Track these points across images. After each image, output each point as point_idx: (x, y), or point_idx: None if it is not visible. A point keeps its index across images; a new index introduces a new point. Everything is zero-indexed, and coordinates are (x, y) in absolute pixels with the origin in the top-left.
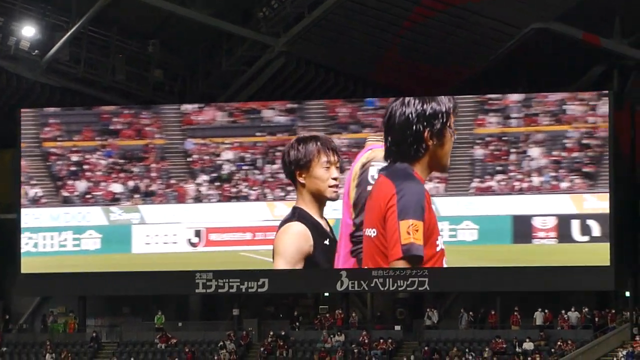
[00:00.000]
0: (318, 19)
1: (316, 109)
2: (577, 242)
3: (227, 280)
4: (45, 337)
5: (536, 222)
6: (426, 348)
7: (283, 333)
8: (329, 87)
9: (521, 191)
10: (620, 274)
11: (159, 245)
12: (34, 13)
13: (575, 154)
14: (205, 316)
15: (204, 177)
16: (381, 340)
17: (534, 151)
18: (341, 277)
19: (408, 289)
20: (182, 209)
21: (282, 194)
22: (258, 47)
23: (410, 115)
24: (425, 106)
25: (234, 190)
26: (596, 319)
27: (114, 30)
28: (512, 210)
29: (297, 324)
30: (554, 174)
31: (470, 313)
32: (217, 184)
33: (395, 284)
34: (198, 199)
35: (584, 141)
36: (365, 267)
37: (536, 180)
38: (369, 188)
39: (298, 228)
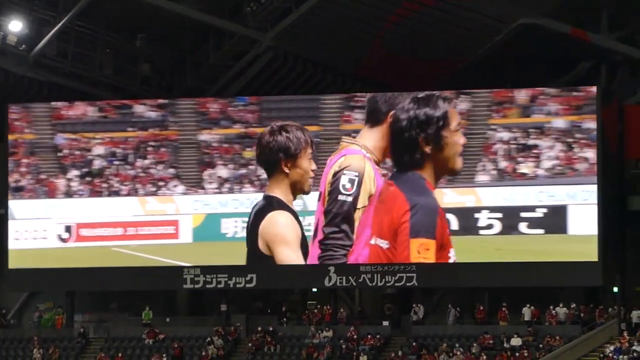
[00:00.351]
0: (305, 14)
1: (187, 104)
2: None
3: (215, 276)
4: (33, 332)
5: None
6: (414, 344)
7: (271, 328)
8: (316, 81)
9: None
10: (608, 270)
11: (28, 241)
12: (21, 8)
13: None
14: (193, 312)
15: (74, 172)
16: (369, 336)
17: None
18: (329, 272)
19: (396, 284)
20: (52, 204)
21: (154, 189)
22: (246, 41)
23: (402, 122)
24: (418, 112)
25: (105, 185)
26: (582, 315)
27: (101, 25)
28: None
29: (285, 319)
30: None
31: (458, 309)
32: (88, 179)
33: (384, 280)
34: (68, 194)
35: None
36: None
37: None
38: (340, 198)
39: (285, 216)
